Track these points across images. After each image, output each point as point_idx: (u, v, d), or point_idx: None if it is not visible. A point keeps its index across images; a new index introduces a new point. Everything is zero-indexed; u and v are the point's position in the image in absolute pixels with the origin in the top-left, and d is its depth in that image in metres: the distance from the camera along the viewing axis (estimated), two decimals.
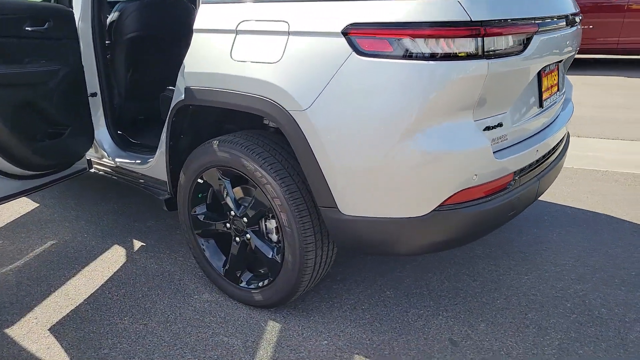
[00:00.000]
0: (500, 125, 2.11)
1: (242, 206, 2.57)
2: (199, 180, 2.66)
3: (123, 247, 3.39)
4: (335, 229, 2.19)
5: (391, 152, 1.94)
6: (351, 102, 1.96)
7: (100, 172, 3.49)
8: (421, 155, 1.92)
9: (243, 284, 2.64)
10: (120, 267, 3.14)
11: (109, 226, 3.69)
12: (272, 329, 2.49)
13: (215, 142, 2.48)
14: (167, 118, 2.69)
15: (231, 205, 2.57)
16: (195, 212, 2.75)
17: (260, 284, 2.57)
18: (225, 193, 2.57)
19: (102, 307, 2.73)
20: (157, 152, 3.01)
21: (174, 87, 2.62)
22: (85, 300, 2.80)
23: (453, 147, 1.93)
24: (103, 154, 3.43)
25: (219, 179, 2.55)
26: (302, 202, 2.28)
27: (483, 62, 1.87)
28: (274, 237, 2.54)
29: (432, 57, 1.85)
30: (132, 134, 3.66)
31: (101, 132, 3.45)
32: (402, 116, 1.89)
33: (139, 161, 3.26)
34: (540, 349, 2.29)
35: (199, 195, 2.75)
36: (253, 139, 2.41)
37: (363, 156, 2.00)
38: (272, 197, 2.29)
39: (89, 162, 3.43)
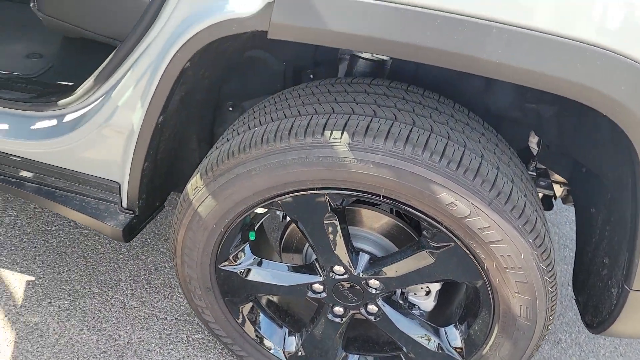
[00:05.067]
0: None
1: (369, 257, 1.20)
2: (259, 210, 1.14)
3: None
4: None
5: None
6: None
7: None
8: None
9: None
10: None
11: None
12: None
13: (344, 137, 0.96)
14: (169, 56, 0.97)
15: (346, 257, 1.17)
16: (236, 263, 1.25)
17: None
18: (336, 235, 1.14)
19: None
20: (85, 123, 1.24)
21: None
22: None
23: None
24: None
25: (332, 211, 1.09)
26: (554, 267, 1.08)
27: None
28: (428, 304, 1.30)
29: None
30: None
31: None
32: None
33: (11, 126, 1.38)
34: None
35: (250, 236, 1.23)
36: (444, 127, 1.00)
37: None
38: (506, 267, 1.02)
39: None
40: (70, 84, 1.55)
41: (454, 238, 1.03)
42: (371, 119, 0.99)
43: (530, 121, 1.28)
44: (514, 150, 1.18)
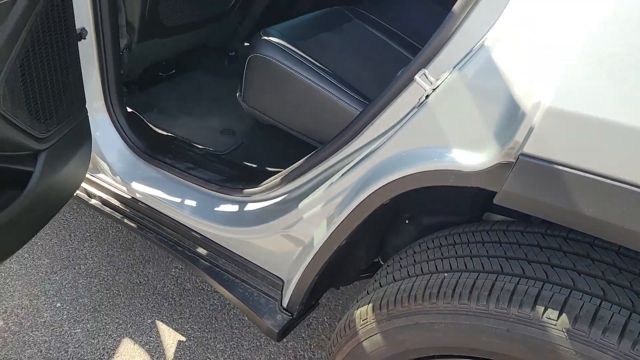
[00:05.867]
0: None
1: None
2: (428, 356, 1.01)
3: None
4: None
5: None
6: None
7: (115, 215, 1.65)
8: None
9: None
10: None
11: None
12: None
13: (562, 321, 0.78)
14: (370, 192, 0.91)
15: None
16: None
17: None
18: None
19: None
20: (267, 222, 1.25)
21: None
22: None
23: None
24: (108, 173, 1.59)
25: None
26: None
27: None
28: None
29: None
30: (160, 117, 1.80)
31: (99, 120, 1.57)
32: None
33: (199, 204, 1.46)
34: None
35: None
36: None
37: None
38: None
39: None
40: (254, 166, 1.62)
41: None
42: (600, 302, 0.79)
43: None
44: None
